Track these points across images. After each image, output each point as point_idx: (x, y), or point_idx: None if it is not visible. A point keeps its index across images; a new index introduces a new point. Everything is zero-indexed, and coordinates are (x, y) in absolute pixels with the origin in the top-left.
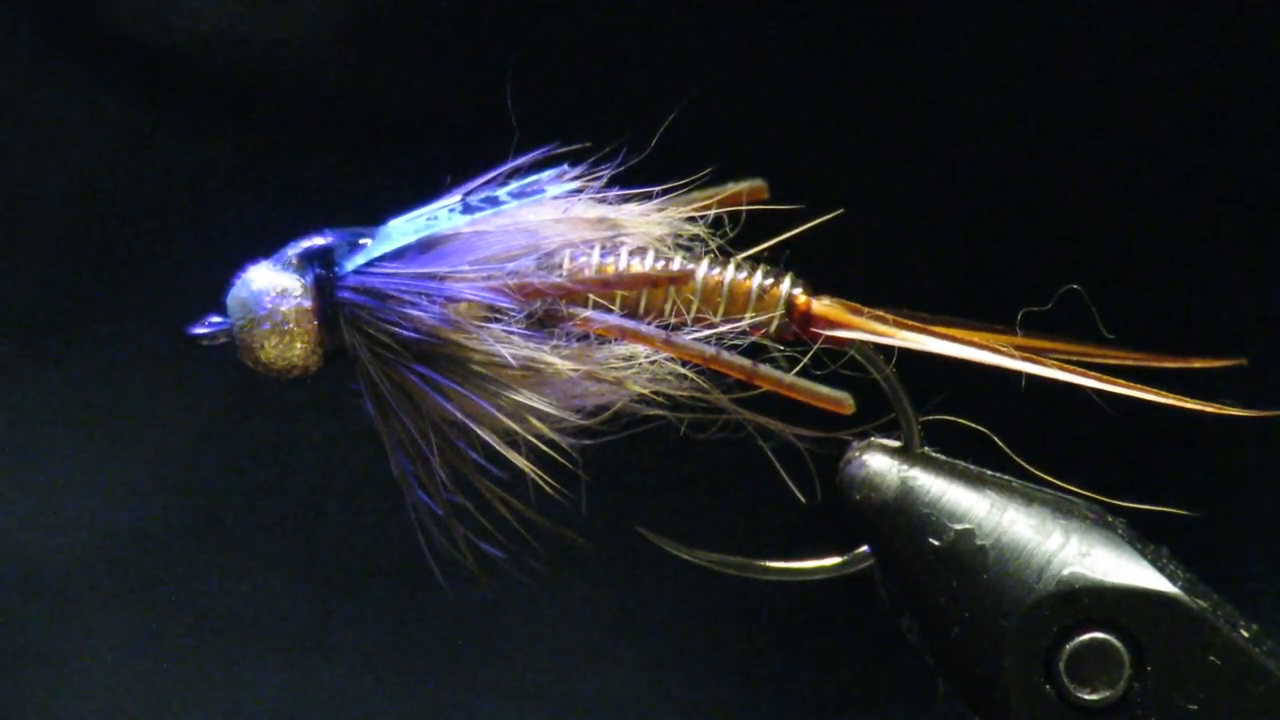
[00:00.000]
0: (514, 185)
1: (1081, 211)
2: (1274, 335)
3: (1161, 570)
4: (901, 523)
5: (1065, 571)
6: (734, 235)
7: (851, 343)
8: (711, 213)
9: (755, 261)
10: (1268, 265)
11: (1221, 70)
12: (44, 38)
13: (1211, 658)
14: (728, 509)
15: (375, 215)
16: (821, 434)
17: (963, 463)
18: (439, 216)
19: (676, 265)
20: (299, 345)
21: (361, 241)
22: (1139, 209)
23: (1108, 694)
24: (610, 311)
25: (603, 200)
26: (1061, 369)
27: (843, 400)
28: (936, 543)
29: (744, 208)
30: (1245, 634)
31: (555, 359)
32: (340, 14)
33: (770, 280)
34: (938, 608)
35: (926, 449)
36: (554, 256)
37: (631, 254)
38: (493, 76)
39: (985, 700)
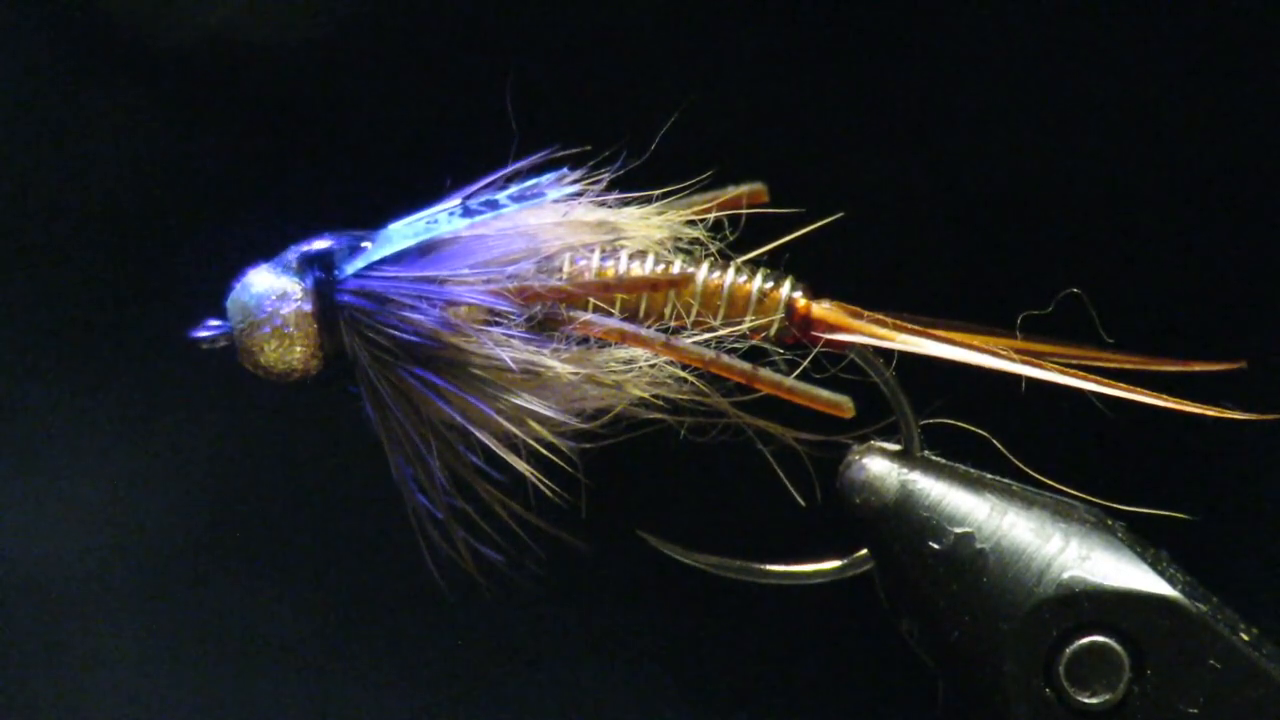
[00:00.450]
0: (514, 189)
1: (1081, 215)
2: (1274, 338)
3: (1161, 574)
4: (901, 526)
5: (1065, 575)
6: (734, 239)
7: (851, 346)
8: (711, 216)
9: (755, 265)
10: (1268, 267)
11: (1221, 70)
12: (44, 41)
13: (1211, 661)
14: (728, 512)
15: (375, 219)
16: (821, 437)
17: (963, 466)
18: (439, 220)
19: (676, 269)
20: (299, 349)
21: (361, 245)
22: (1139, 212)
23: (1107, 697)
24: (610, 315)
25: (603, 204)
26: (1061, 372)
27: (842, 404)
28: (936, 546)
29: (744, 211)
30: (1245, 637)
31: (555, 363)
32: (341, 17)
33: (770, 284)
34: (937, 611)
35: (926, 452)
36: (554, 260)
37: (631, 257)
38: (493, 80)
39: (985, 703)
